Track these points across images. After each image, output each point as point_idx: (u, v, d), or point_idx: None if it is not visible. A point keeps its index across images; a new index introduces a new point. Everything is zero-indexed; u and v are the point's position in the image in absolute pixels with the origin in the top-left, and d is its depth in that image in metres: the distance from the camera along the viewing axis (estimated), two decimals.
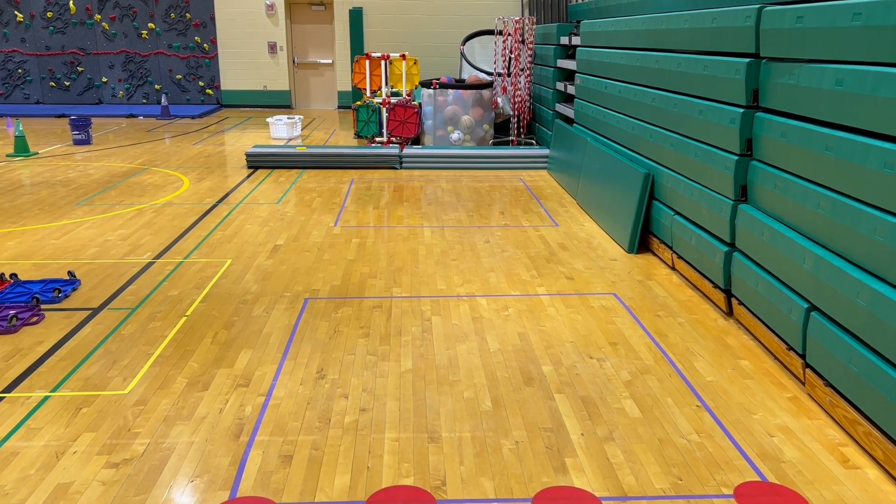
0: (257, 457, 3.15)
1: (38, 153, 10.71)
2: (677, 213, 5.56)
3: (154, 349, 4.19)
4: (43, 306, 4.78)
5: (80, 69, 16.44)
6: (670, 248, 5.66)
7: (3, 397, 3.65)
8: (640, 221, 6.05)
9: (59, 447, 3.20)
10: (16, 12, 16.06)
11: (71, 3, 16.02)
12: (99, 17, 16.20)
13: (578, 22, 9.20)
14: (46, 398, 3.63)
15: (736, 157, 4.58)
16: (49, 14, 16.09)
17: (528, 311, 4.78)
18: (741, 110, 4.51)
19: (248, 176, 9.20)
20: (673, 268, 5.63)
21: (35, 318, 4.58)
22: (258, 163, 9.70)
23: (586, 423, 3.43)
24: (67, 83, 16.50)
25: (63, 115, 14.89)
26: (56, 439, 3.26)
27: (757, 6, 4.38)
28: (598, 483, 2.98)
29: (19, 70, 16.39)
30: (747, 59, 4.44)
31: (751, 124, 4.47)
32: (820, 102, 3.70)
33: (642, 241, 6.17)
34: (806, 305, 3.72)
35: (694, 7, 5.58)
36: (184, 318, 4.64)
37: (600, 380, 3.86)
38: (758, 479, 3.01)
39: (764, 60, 4.34)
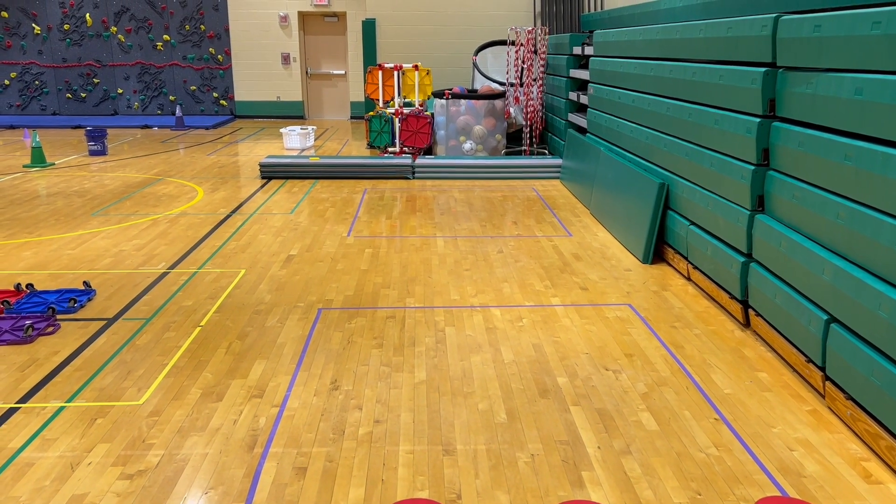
0: (272, 469, 3.13)
1: (54, 164, 10.80)
2: (693, 223, 5.52)
3: (168, 360, 4.19)
4: (58, 316, 4.80)
5: (95, 81, 16.60)
6: (686, 258, 5.61)
7: (19, 408, 3.66)
8: (655, 231, 6.01)
9: (74, 458, 3.20)
10: (33, 25, 16.25)
11: (87, 15, 16.19)
12: (115, 29, 16.37)
13: (591, 32, 9.19)
14: (61, 409, 3.64)
15: (752, 167, 4.54)
16: (66, 26, 16.28)
17: (542, 322, 4.75)
18: (758, 120, 4.48)
19: (262, 186, 9.24)
20: (688, 278, 5.58)
21: (51, 329, 4.60)
22: (272, 173, 9.74)
23: (603, 435, 3.39)
24: (83, 94, 16.66)
25: (79, 127, 15.02)
26: (71, 450, 3.26)
27: (773, 15, 4.35)
28: (615, 497, 2.94)
29: (36, 82, 16.57)
30: (764, 69, 4.41)
31: (767, 134, 4.43)
32: (838, 112, 3.66)
33: (657, 251, 6.12)
34: (825, 317, 3.67)
35: (709, 17, 5.56)
36: (198, 329, 4.64)
37: (616, 392, 3.82)
38: (778, 493, 2.96)
39: (781, 70, 4.30)
